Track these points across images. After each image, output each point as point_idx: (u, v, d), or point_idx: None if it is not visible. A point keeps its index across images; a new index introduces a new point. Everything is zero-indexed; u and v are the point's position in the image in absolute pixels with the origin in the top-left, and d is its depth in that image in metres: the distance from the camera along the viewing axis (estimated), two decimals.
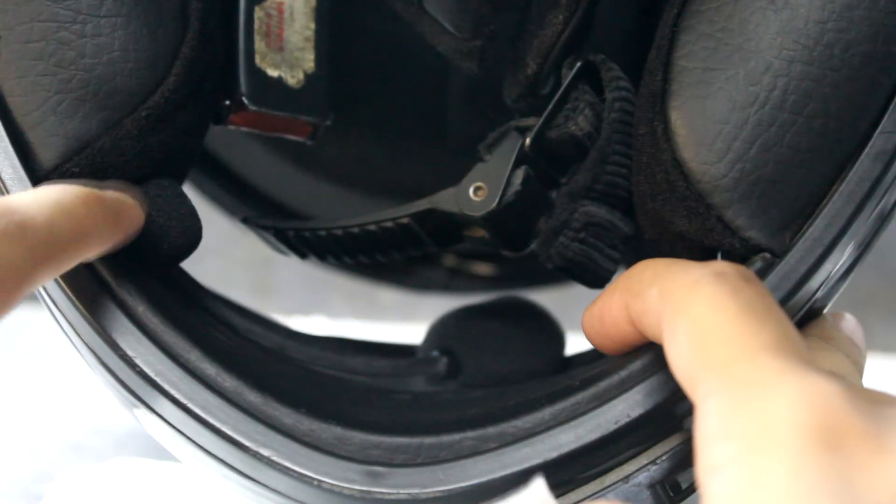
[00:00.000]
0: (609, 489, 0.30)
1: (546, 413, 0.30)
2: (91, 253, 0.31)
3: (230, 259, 0.70)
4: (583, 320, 0.32)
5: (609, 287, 0.31)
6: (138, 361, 0.32)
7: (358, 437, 0.31)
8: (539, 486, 0.26)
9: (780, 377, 0.23)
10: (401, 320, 0.66)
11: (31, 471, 0.50)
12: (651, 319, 0.28)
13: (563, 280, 0.37)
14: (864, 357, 0.32)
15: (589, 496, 0.30)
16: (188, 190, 0.35)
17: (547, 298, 0.47)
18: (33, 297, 0.35)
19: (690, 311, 0.26)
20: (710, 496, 0.23)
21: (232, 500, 0.34)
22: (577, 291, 0.37)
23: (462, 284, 0.57)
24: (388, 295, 0.66)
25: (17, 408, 0.53)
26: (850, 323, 0.32)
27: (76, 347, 0.33)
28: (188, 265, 0.36)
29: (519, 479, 0.29)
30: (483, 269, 0.57)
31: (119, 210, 0.32)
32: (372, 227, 0.38)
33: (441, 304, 0.44)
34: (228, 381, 0.32)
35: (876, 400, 0.24)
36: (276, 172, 0.53)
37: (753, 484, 0.22)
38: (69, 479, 0.47)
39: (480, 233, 0.37)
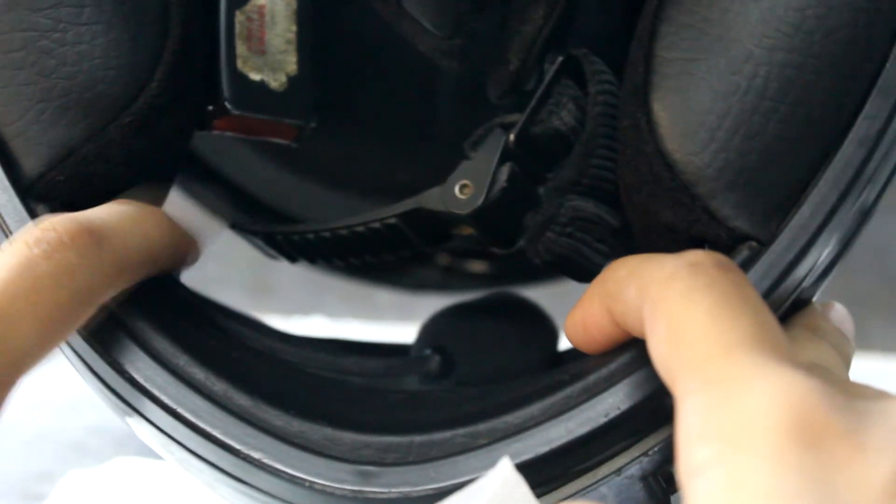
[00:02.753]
0: (602, 482, 0.30)
1: (536, 408, 0.30)
2: (155, 274, 0.32)
3: (228, 260, 0.70)
4: (565, 329, 0.31)
5: (586, 293, 0.31)
6: (127, 367, 0.32)
7: (348, 437, 0.31)
8: (505, 465, 0.26)
9: (757, 374, 0.23)
10: (399, 320, 0.66)
11: (31, 471, 0.50)
12: (633, 318, 0.28)
13: (560, 276, 0.37)
14: (852, 348, 0.31)
15: (582, 489, 0.30)
16: (178, 195, 0.35)
17: (543, 294, 0.47)
18: None
19: (666, 307, 0.26)
20: (692, 498, 0.23)
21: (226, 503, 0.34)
22: (573, 287, 0.37)
23: (457, 283, 0.57)
24: (386, 295, 0.66)
25: (17, 407, 0.53)
26: (838, 312, 0.32)
27: (65, 354, 0.33)
28: None
29: None
30: (478, 266, 0.57)
31: (186, 238, 0.34)
32: (360, 229, 0.38)
33: (438, 303, 0.44)
34: (217, 385, 0.32)
35: (856, 394, 0.24)
36: (263, 175, 0.53)
37: (734, 486, 0.22)
38: (71, 480, 0.47)
39: (468, 230, 0.37)
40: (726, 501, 0.22)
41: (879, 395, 0.24)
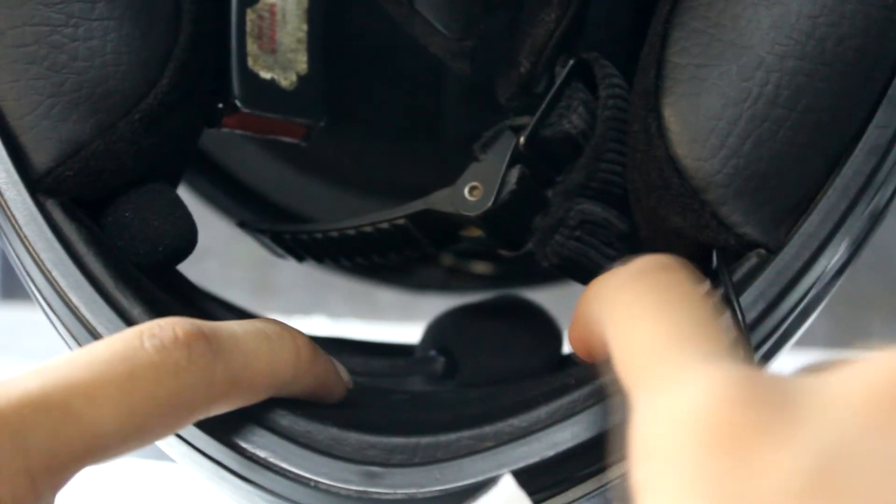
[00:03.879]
0: (606, 486, 0.30)
1: (542, 411, 0.30)
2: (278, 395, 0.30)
3: (230, 259, 0.70)
4: (570, 345, 0.31)
5: (574, 314, 0.30)
6: None
7: (354, 437, 0.31)
8: (507, 484, 0.26)
9: (680, 379, 0.22)
10: (401, 320, 0.66)
11: None
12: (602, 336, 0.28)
13: (564, 278, 0.37)
14: None
15: (587, 494, 0.30)
16: (185, 192, 0.35)
17: (546, 296, 0.47)
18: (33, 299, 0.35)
19: (611, 321, 0.26)
20: None
21: (229, 503, 0.34)
22: (577, 289, 0.37)
23: (461, 284, 0.57)
24: (387, 295, 0.66)
25: None
26: None
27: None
28: (188, 265, 0.36)
29: (516, 478, 0.29)
30: (482, 268, 0.57)
31: (325, 376, 0.32)
32: (368, 229, 0.38)
33: (440, 304, 0.44)
34: None
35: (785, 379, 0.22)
36: (272, 174, 0.53)
37: None
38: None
39: (477, 232, 0.37)
40: None
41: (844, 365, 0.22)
